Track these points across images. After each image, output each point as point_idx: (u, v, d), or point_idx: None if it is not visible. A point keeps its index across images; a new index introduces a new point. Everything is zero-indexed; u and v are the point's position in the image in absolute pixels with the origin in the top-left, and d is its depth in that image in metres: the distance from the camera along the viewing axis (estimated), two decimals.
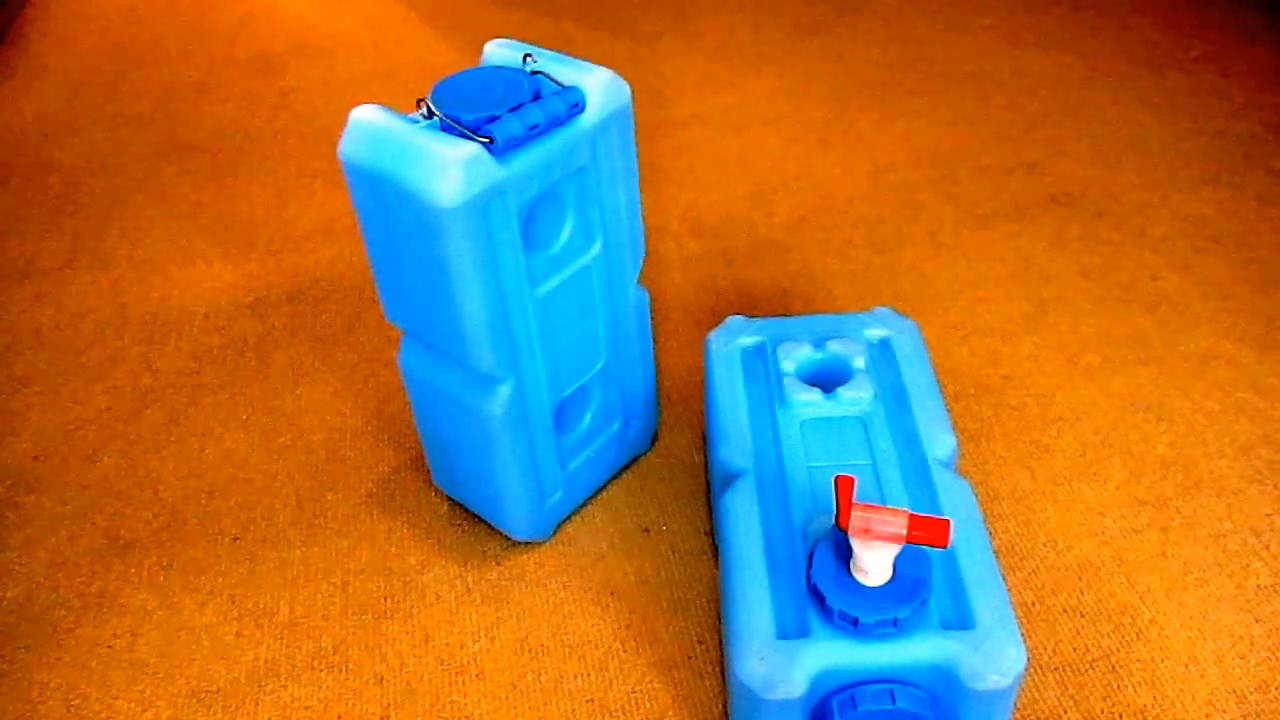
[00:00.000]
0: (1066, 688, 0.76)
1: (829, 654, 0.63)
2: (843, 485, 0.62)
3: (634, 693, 0.77)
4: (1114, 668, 0.77)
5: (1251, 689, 0.75)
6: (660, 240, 1.25)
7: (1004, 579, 0.69)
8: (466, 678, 0.79)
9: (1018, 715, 0.74)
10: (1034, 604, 0.82)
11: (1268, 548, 0.85)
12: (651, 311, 1.14)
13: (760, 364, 0.85)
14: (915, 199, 1.30)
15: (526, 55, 0.75)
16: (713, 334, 0.88)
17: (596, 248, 0.80)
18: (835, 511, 0.63)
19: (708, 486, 0.92)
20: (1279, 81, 1.50)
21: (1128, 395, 1.00)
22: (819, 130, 1.45)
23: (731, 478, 0.76)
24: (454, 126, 0.69)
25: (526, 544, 0.89)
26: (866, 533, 0.60)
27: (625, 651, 0.80)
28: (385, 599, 0.86)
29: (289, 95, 1.64)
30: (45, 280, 1.26)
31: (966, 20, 1.73)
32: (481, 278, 0.70)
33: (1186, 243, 1.19)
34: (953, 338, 1.08)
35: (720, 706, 0.76)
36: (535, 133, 0.70)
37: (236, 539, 0.92)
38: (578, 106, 0.72)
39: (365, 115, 0.70)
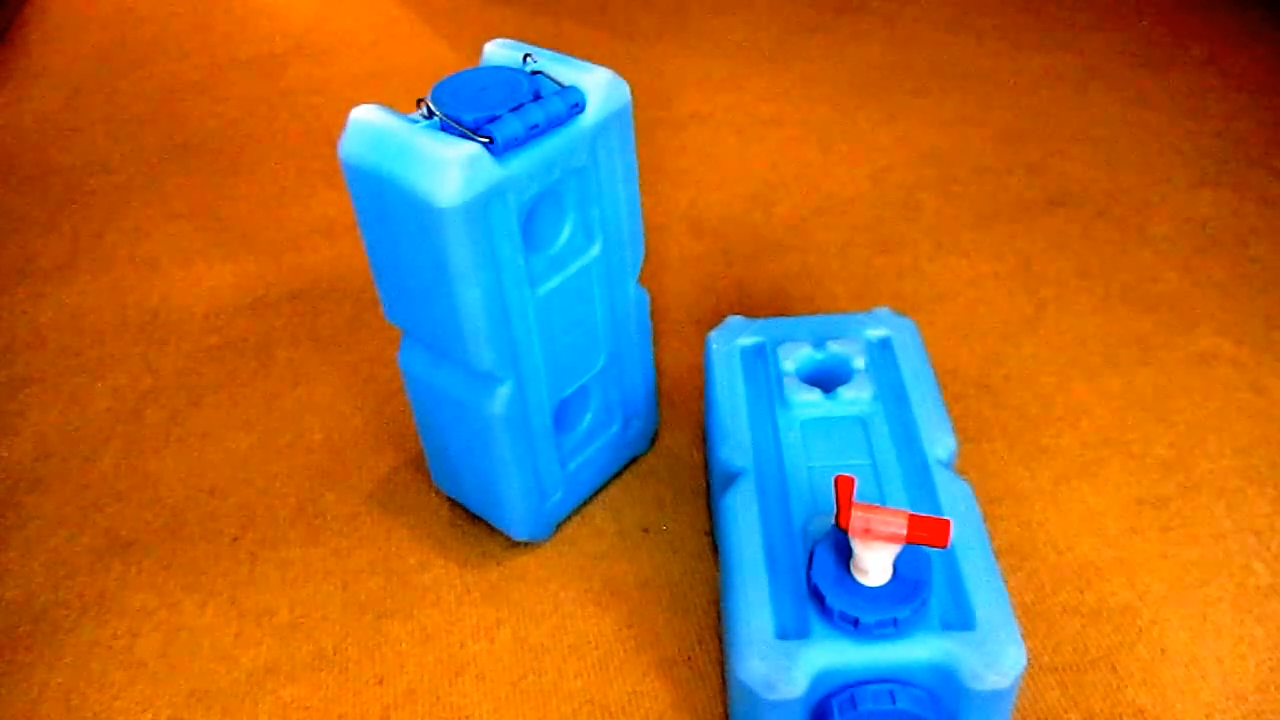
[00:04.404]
0: (1066, 688, 0.76)
1: (829, 654, 0.63)
2: (843, 485, 0.62)
3: (634, 693, 0.77)
4: (1114, 668, 0.77)
5: (1252, 689, 0.75)
6: (660, 240, 1.25)
7: (1004, 579, 0.69)
8: (466, 678, 0.79)
9: (1018, 715, 0.74)
10: (1034, 604, 0.82)
11: (1268, 548, 0.85)
12: (651, 311, 1.14)
13: (760, 364, 0.85)
14: (915, 199, 1.30)
15: (526, 55, 0.75)
16: (713, 334, 0.88)
17: (596, 248, 0.80)
18: (835, 511, 0.63)
19: (708, 486, 0.92)
20: (1279, 81, 1.50)
21: (1128, 395, 1.00)
22: (819, 130, 1.45)
23: (731, 478, 0.76)
24: (454, 126, 0.69)
25: (526, 544, 0.89)
26: (866, 533, 0.60)
27: (625, 651, 0.80)
28: (385, 599, 0.86)
29: (289, 95, 1.64)
30: (45, 280, 1.26)
31: (966, 20, 1.73)
32: (481, 278, 0.71)
33: (1186, 243, 1.20)
34: (953, 338, 1.08)
35: (720, 706, 0.76)
36: (535, 133, 0.70)
37: (236, 539, 0.92)
38: (578, 106, 0.73)
39: (365, 115, 0.70)
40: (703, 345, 1.03)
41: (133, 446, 1.02)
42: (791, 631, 0.65)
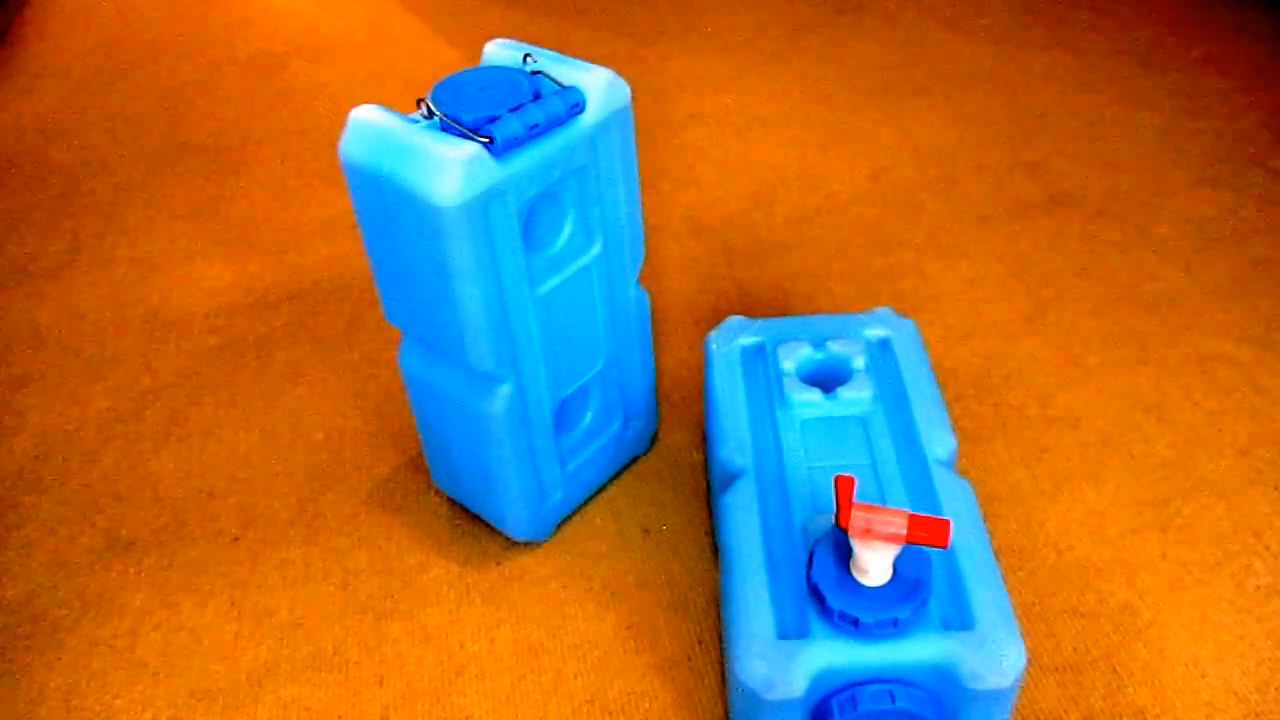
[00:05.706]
0: (1066, 688, 0.76)
1: (829, 654, 0.63)
2: (843, 485, 0.62)
3: (634, 693, 0.77)
4: (1114, 668, 0.77)
5: (1251, 689, 0.75)
6: (660, 240, 1.25)
7: (1004, 579, 0.69)
8: (466, 678, 0.79)
9: (1018, 715, 0.74)
10: (1034, 604, 0.82)
11: (1268, 548, 0.85)
12: (651, 311, 1.14)
13: (760, 364, 0.85)
14: (915, 199, 1.30)
15: (526, 55, 0.75)
16: (713, 334, 0.88)
17: (596, 248, 0.80)
18: (835, 511, 0.63)
19: (708, 486, 0.92)
20: (1279, 81, 1.50)
21: (1128, 395, 1.00)
22: (819, 130, 1.45)
23: (731, 478, 0.76)
24: (454, 126, 0.69)
25: (526, 544, 0.89)
26: (867, 533, 0.60)
27: (625, 651, 0.80)
28: (385, 599, 0.86)
29: (289, 95, 1.64)
30: (45, 280, 1.26)
31: (966, 20, 1.73)
32: (481, 278, 0.71)
33: (1186, 243, 1.20)
34: (953, 338, 1.08)
35: (720, 706, 0.76)
36: (535, 133, 0.70)
37: (236, 539, 0.92)
38: (578, 106, 0.73)
39: (365, 115, 0.70)
40: (703, 345, 1.03)
41: (133, 446, 1.02)
42: (791, 631, 0.65)
